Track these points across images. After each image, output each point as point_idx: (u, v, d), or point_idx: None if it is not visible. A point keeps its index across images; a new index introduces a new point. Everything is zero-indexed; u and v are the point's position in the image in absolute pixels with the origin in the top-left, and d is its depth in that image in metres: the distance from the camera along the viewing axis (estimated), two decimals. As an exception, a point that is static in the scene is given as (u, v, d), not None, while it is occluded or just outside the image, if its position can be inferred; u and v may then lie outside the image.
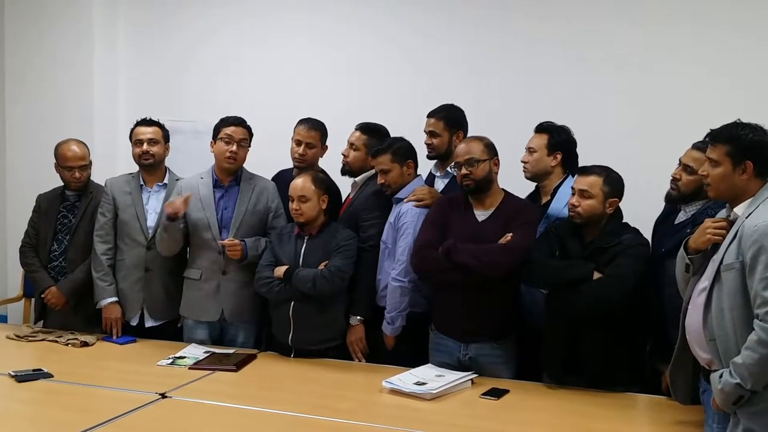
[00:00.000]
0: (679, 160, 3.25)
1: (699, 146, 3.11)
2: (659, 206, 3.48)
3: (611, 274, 3.07)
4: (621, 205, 3.26)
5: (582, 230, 3.23)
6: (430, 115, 3.91)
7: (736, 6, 4.29)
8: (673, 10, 4.38)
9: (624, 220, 3.30)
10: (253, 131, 3.95)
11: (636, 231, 3.24)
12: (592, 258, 3.15)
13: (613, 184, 3.19)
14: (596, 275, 3.09)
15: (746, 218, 2.46)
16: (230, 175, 3.91)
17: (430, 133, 3.88)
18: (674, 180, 3.26)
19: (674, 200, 3.30)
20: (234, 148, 3.83)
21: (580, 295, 3.07)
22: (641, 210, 3.37)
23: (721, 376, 2.41)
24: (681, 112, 4.28)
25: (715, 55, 4.30)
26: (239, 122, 3.89)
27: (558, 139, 3.63)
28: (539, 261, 3.22)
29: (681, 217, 3.25)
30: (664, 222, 3.40)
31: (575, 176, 3.30)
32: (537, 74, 4.63)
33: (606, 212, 3.17)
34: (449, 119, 3.87)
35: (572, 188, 3.24)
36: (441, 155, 3.89)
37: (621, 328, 3.13)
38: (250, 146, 3.93)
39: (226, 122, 3.89)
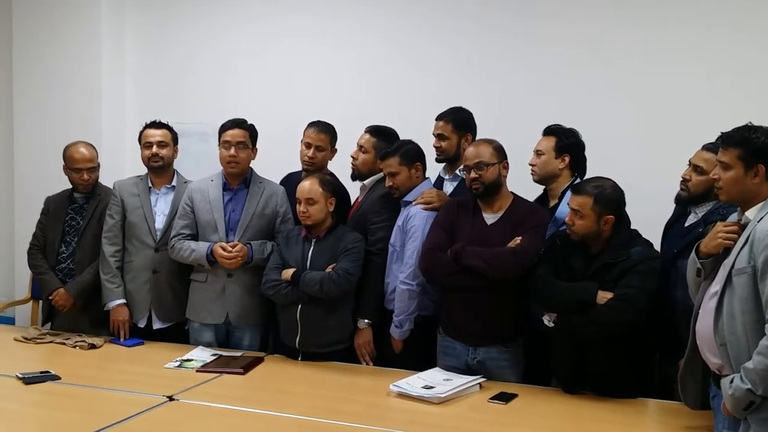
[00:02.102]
0: (689, 161, 3.23)
1: (709, 147, 3.09)
2: (664, 207, 3.47)
3: (620, 297, 2.99)
4: (626, 207, 3.23)
5: (587, 242, 3.18)
6: (438, 118, 3.90)
7: (740, 6, 4.27)
8: (678, 12, 4.36)
9: (631, 224, 3.26)
10: (257, 129, 3.94)
11: (647, 242, 3.17)
12: (599, 273, 3.08)
13: (606, 202, 3.09)
14: (602, 295, 3.02)
15: (758, 222, 2.45)
16: (238, 178, 3.91)
17: (439, 136, 3.87)
18: (684, 181, 3.24)
19: (684, 201, 3.28)
20: (232, 151, 3.82)
21: (589, 321, 3.02)
22: (645, 211, 3.35)
23: (731, 382, 2.39)
24: (688, 114, 4.25)
25: (719, 55, 4.28)
26: (236, 124, 3.88)
27: (566, 142, 3.61)
28: (543, 280, 3.16)
29: (691, 219, 3.24)
30: (674, 225, 3.38)
31: (570, 193, 3.26)
32: (545, 76, 4.61)
33: (602, 230, 3.11)
34: (457, 122, 3.86)
35: (568, 204, 3.20)
36: (449, 158, 3.88)
37: (630, 340, 3.08)
38: (254, 146, 3.92)
39: (223, 127, 3.89)
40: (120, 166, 5.14)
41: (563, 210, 3.50)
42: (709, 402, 2.70)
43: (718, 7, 4.30)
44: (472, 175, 3.37)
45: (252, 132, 3.92)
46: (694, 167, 3.19)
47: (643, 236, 3.22)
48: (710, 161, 2.96)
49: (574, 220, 3.12)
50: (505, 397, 3.10)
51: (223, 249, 3.73)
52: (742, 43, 4.24)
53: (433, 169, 3.92)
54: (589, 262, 3.14)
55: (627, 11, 4.46)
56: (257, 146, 3.98)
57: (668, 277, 3.11)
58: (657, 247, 3.30)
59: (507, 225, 3.36)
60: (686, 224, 3.25)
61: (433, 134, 3.89)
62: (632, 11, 4.45)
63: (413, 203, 3.63)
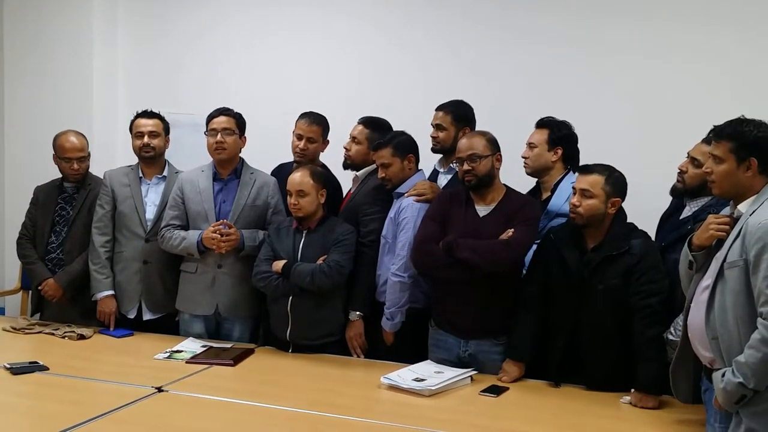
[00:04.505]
0: (688, 153, 3.23)
1: (709, 140, 3.08)
2: (658, 202, 3.46)
3: (651, 312, 2.97)
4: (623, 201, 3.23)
5: (583, 234, 3.17)
6: (438, 108, 3.89)
7: (736, 3, 4.26)
8: (672, 7, 4.37)
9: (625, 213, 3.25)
10: (244, 118, 3.92)
11: (645, 234, 3.17)
12: (601, 267, 3.07)
13: (616, 183, 3.12)
14: None
15: (750, 215, 2.44)
16: (228, 168, 3.89)
17: (437, 126, 3.86)
18: (681, 172, 3.25)
19: (679, 193, 3.28)
20: (219, 137, 3.80)
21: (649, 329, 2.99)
22: (640, 206, 3.34)
23: (723, 375, 2.38)
24: (682, 109, 4.27)
25: (715, 51, 4.29)
26: (220, 112, 3.87)
27: (559, 134, 3.60)
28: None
29: (686, 212, 3.24)
30: (669, 218, 3.38)
31: (576, 175, 3.24)
32: (538, 69, 4.62)
33: (608, 212, 3.10)
34: (457, 114, 3.85)
35: (573, 187, 3.18)
36: (446, 150, 3.86)
37: (622, 332, 3.07)
38: (242, 133, 3.90)
39: (209, 116, 3.89)
40: (112, 156, 5.12)
41: (556, 203, 3.50)
42: (701, 396, 2.70)
43: (713, 4, 4.29)
44: (465, 167, 3.35)
45: (239, 120, 3.89)
46: (692, 159, 3.19)
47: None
48: (708, 155, 2.95)
49: (581, 201, 3.10)
50: (496, 390, 3.10)
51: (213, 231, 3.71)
52: (737, 38, 4.25)
53: (427, 160, 3.89)
54: (587, 256, 3.13)
55: (622, 7, 4.47)
56: (250, 137, 3.97)
57: None
58: (654, 241, 3.31)
59: (499, 217, 3.34)
60: (681, 217, 3.25)
61: (432, 124, 3.88)
62: (627, 7, 4.46)
63: (405, 195, 3.61)
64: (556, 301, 3.20)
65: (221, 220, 3.74)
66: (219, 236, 3.68)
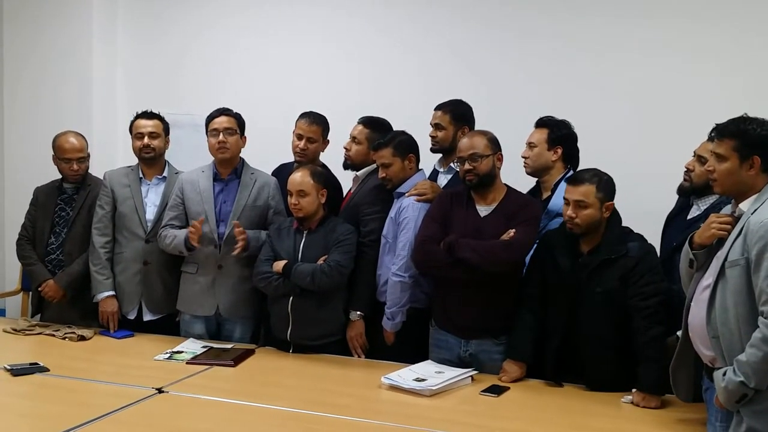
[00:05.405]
0: (694, 151, 3.22)
1: (712, 138, 3.08)
2: (658, 202, 3.46)
3: (652, 312, 2.97)
4: (618, 200, 3.21)
5: (578, 237, 3.16)
6: (437, 108, 3.89)
7: (735, 3, 4.26)
8: (673, 7, 4.36)
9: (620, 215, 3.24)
10: (243, 118, 3.92)
11: (640, 237, 3.17)
12: (597, 271, 3.07)
13: (606, 188, 3.12)
14: None
15: (752, 214, 2.44)
16: (229, 168, 3.88)
17: (436, 126, 3.86)
18: (687, 171, 3.24)
19: (686, 192, 3.28)
20: (221, 137, 3.79)
21: (654, 330, 2.99)
22: (640, 206, 3.34)
23: (724, 374, 2.38)
24: (682, 109, 4.25)
25: (714, 50, 4.28)
26: (222, 112, 3.87)
27: (558, 134, 3.60)
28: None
29: (694, 212, 3.24)
30: (676, 217, 3.37)
31: (566, 186, 3.22)
32: (538, 69, 4.61)
33: (604, 217, 3.11)
34: (456, 114, 3.85)
35: (565, 198, 3.16)
36: (445, 149, 3.86)
37: (621, 331, 3.07)
38: (242, 133, 3.90)
39: (210, 117, 3.88)
40: (112, 156, 5.12)
41: (556, 202, 3.49)
42: (702, 395, 2.70)
43: (713, 3, 4.29)
44: (466, 166, 3.34)
45: (239, 120, 3.90)
46: (698, 158, 3.18)
47: (639, 230, 3.21)
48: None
49: (576, 212, 3.09)
50: (496, 390, 3.09)
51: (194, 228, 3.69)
52: (736, 37, 4.24)
53: (427, 160, 3.89)
54: (583, 259, 3.13)
55: (623, 6, 4.46)
56: (250, 137, 3.97)
57: (667, 272, 3.10)
58: (654, 240, 3.29)
59: (500, 217, 3.33)
60: (689, 217, 3.25)
61: (431, 123, 3.88)
62: (628, 6, 4.45)
63: (406, 195, 3.60)
64: (551, 302, 3.20)
65: (201, 218, 3.72)
66: (196, 231, 3.66)
